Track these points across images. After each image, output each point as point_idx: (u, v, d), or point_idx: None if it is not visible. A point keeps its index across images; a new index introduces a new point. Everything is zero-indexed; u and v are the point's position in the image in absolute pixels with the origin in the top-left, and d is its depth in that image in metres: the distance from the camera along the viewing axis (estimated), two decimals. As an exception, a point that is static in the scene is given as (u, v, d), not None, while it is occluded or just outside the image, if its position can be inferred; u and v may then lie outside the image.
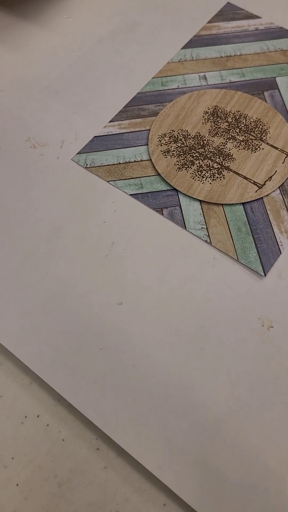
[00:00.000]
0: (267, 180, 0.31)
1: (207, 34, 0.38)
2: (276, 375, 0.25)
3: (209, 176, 0.31)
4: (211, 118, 0.34)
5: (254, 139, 0.33)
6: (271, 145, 0.33)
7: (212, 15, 0.39)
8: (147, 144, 0.33)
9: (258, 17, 0.39)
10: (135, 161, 0.33)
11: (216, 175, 0.31)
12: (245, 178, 0.31)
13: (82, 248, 0.29)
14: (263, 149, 0.32)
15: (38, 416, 0.26)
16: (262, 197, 0.31)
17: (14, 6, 0.40)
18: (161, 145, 0.33)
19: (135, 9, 0.40)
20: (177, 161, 0.32)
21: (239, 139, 0.33)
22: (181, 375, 0.25)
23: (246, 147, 0.33)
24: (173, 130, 0.33)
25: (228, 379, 0.25)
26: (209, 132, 0.33)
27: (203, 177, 0.31)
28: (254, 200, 0.31)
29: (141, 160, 0.33)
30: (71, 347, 0.26)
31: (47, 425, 0.26)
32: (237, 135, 0.33)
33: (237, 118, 0.34)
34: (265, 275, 0.28)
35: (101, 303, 0.28)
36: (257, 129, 0.33)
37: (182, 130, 0.33)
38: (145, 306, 0.27)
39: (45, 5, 0.40)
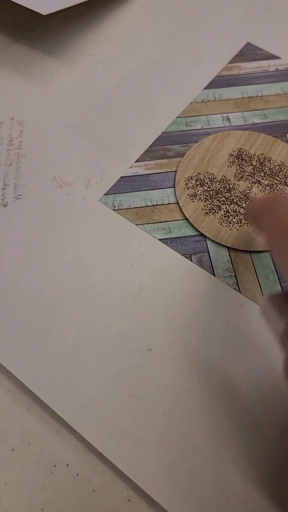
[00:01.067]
0: (292, 227, 0.32)
1: (229, 75, 0.39)
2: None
3: (236, 222, 0.32)
4: (236, 161, 0.34)
5: (279, 184, 0.33)
6: (296, 190, 0.33)
7: (233, 55, 0.40)
8: (174, 187, 0.33)
9: (278, 57, 0.40)
10: (162, 204, 0.33)
11: (243, 220, 0.32)
12: (271, 224, 0.32)
13: (110, 291, 0.30)
14: None
15: (67, 465, 0.26)
16: (288, 244, 0.31)
17: (37, 41, 0.40)
18: (187, 189, 0.33)
19: (156, 47, 0.40)
20: (204, 205, 0.33)
21: (264, 184, 0.33)
22: (211, 424, 0.26)
23: (271, 191, 0.33)
24: (199, 173, 0.34)
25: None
26: (235, 175, 0.34)
27: (230, 222, 0.32)
28: (280, 247, 0.31)
29: (168, 203, 0.33)
30: (101, 394, 0.26)
31: (77, 474, 0.26)
32: (262, 179, 0.34)
33: (261, 161, 0.34)
34: (294, 325, 0.29)
35: (130, 349, 0.28)
36: (281, 173, 0.34)
37: (208, 173, 0.34)
38: (174, 352, 0.28)
39: (68, 41, 0.41)
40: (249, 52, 0.40)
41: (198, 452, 0.25)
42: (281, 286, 0.30)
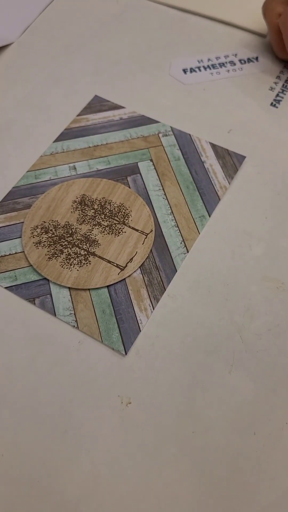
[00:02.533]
0: (128, 262, 0.35)
1: (77, 127, 0.42)
2: (134, 449, 0.28)
3: (76, 263, 0.35)
4: (79, 206, 0.37)
5: (118, 223, 0.37)
6: (133, 228, 0.36)
7: (81, 108, 0.43)
8: (21, 237, 0.36)
9: (122, 107, 0.44)
10: (10, 254, 0.35)
11: (83, 261, 0.35)
12: (109, 261, 0.35)
13: None
14: (125, 232, 0.36)
15: None
16: (124, 278, 0.34)
17: None
18: (33, 237, 0.36)
19: (10, 108, 0.43)
20: (47, 251, 0.35)
21: (104, 225, 0.37)
22: (44, 460, 0.28)
23: (110, 231, 0.36)
24: (44, 221, 0.37)
25: (88, 458, 0.28)
26: (77, 220, 0.37)
27: (71, 264, 0.35)
28: (117, 282, 0.34)
29: (15, 253, 0.35)
30: None
31: None
32: (102, 220, 0.37)
33: (102, 204, 0.38)
34: (126, 354, 0.31)
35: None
36: (120, 213, 0.37)
37: (52, 220, 0.37)
38: (13, 394, 0.30)
39: None
40: (97, 104, 0.44)
41: (32, 489, 0.27)
42: (116, 319, 0.33)
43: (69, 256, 0.35)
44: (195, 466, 0.28)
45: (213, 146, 0.41)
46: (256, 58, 0.47)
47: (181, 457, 0.28)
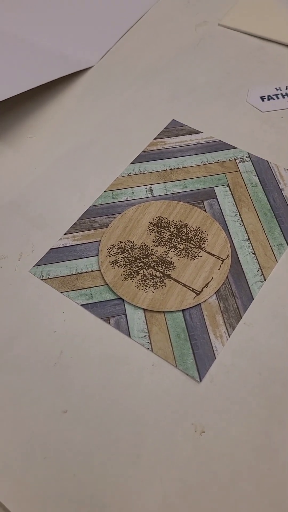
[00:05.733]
0: (204, 287, 0.34)
1: (154, 150, 0.43)
2: (207, 480, 0.27)
3: (152, 285, 0.35)
4: (155, 228, 0.38)
5: (194, 247, 0.36)
6: (209, 252, 0.36)
7: (159, 132, 0.44)
8: (98, 255, 0.37)
9: (199, 132, 0.44)
10: (86, 272, 0.36)
11: (159, 283, 0.35)
12: (185, 285, 0.35)
13: (32, 357, 0.32)
14: (201, 256, 0.36)
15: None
16: (200, 303, 0.34)
17: (-17, 130, 0.45)
18: (109, 256, 0.36)
19: (91, 130, 0.45)
20: (123, 271, 0.35)
21: (180, 248, 0.36)
22: (118, 484, 0.27)
23: (186, 255, 0.36)
24: (121, 241, 0.37)
25: (161, 486, 0.27)
26: (153, 242, 0.37)
27: (146, 285, 0.35)
28: (192, 307, 0.34)
29: (92, 271, 0.36)
30: (17, 456, 0.28)
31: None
32: (178, 243, 0.37)
33: (178, 227, 0.38)
34: (200, 381, 0.31)
35: (46, 411, 0.30)
36: (196, 237, 0.37)
37: (129, 241, 0.37)
38: (88, 414, 0.30)
39: (11, 124, 0.45)
40: (174, 128, 0.44)
41: None
42: (190, 344, 0.32)
43: (144, 277, 0.35)
44: (272, 505, 0.27)
45: (292, 174, 0.40)
46: None
47: (257, 494, 0.27)
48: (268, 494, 0.27)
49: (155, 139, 0.44)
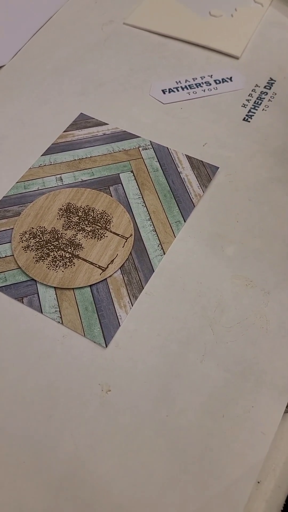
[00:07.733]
0: (109, 263, 0.38)
1: (63, 142, 0.46)
2: (113, 431, 0.31)
3: (62, 265, 0.38)
4: (65, 213, 0.41)
5: (100, 229, 0.40)
6: (114, 233, 0.39)
7: (68, 125, 0.47)
8: (11, 242, 0.39)
9: (105, 123, 0.47)
10: (0, 258, 0.38)
11: (68, 263, 0.38)
12: (92, 263, 0.38)
13: None
14: (107, 236, 0.39)
15: None
16: (106, 278, 0.37)
17: None
18: (22, 242, 0.39)
19: (3, 126, 0.47)
20: (35, 254, 0.38)
21: (87, 230, 0.40)
22: (31, 442, 0.30)
23: (93, 236, 0.39)
24: (32, 228, 0.40)
25: (72, 440, 0.30)
26: (63, 226, 0.40)
27: (56, 266, 0.38)
28: (99, 282, 0.37)
29: (5, 256, 0.38)
30: None
31: None
32: (86, 226, 0.40)
33: (86, 211, 0.41)
34: (106, 346, 0.34)
35: None
36: (102, 219, 0.40)
37: (40, 226, 0.40)
38: (4, 383, 0.32)
39: None
40: (82, 121, 0.47)
41: (19, 469, 0.29)
42: (97, 315, 0.35)
43: (55, 259, 0.38)
44: (170, 446, 0.30)
45: (189, 158, 0.44)
46: (230, 78, 0.51)
47: (157, 438, 0.31)
48: (166, 436, 0.31)
49: (64, 131, 0.47)
